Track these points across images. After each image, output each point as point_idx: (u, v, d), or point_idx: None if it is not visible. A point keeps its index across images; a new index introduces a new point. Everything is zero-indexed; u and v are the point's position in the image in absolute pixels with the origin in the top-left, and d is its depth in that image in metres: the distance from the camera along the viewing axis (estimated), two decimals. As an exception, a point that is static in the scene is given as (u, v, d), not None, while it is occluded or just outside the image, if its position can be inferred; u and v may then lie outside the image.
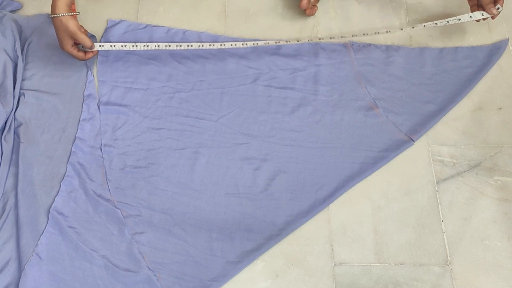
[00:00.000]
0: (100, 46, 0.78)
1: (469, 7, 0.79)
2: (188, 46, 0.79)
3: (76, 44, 0.76)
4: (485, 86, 0.78)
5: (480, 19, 0.77)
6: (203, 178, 0.73)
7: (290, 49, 0.83)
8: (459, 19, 0.77)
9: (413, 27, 0.78)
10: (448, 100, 0.76)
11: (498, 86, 0.78)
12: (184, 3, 0.89)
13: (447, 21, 0.77)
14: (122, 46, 0.79)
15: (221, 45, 0.79)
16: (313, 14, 0.84)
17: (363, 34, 0.80)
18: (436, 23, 0.78)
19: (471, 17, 0.77)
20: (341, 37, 0.80)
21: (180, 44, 0.79)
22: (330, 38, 0.80)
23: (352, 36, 0.80)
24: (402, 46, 0.82)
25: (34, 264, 0.66)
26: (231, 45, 0.79)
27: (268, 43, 0.79)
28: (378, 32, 0.80)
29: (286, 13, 0.87)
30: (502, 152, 0.73)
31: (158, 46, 0.79)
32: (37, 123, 0.77)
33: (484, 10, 0.76)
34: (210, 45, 0.79)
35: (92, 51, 0.78)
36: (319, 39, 0.79)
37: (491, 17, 0.77)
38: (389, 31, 0.80)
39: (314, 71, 0.80)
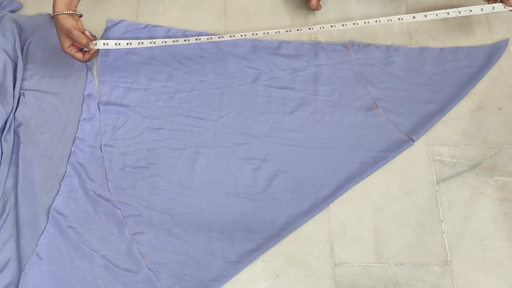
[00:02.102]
0: (104, 44, 0.76)
1: (469, 6, 0.79)
2: (185, 40, 0.78)
3: (76, 46, 0.75)
4: (485, 86, 0.78)
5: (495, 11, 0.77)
6: (203, 178, 0.73)
7: (290, 49, 0.83)
8: (470, 11, 0.77)
9: (425, 16, 0.78)
10: (448, 100, 0.76)
11: (498, 86, 0.78)
12: (184, 3, 0.89)
13: (459, 11, 0.77)
14: (127, 44, 0.77)
15: (219, 37, 0.79)
16: (318, 9, 0.84)
17: (364, 23, 0.79)
18: (448, 13, 0.77)
19: (482, 9, 0.77)
20: (342, 25, 0.79)
21: (177, 39, 0.79)
22: (331, 26, 0.78)
23: (354, 24, 0.79)
24: (402, 46, 0.82)
25: (34, 264, 0.66)
26: (230, 36, 0.78)
27: (267, 32, 0.78)
28: (391, 19, 0.78)
29: (286, 13, 0.87)
30: (502, 152, 0.73)
31: (154, 42, 0.79)
32: (37, 123, 0.77)
33: (496, 2, 0.76)
34: (208, 39, 0.79)
35: (89, 53, 0.75)
36: (320, 27, 0.78)
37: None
38: (401, 19, 0.78)
39: (314, 71, 0.80)
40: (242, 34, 0.78)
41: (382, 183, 0.72)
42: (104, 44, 0.76)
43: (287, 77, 0.80)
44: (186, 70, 0.82)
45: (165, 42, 0.78)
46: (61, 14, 0.71)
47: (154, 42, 0.78)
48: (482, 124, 0.75)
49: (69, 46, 0.74)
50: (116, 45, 0.77)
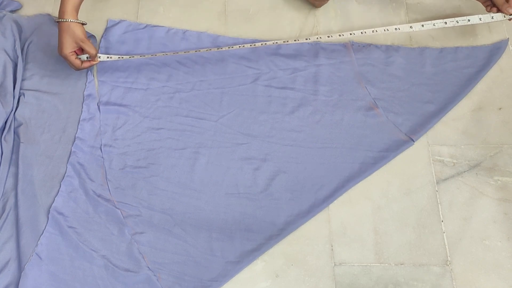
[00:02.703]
0: (108, 57, 0.79)
1: (468, 7, 0.78)
2: (184, 52, 0.80)
3: (76, 52, 0.76)
4: (485, 86, 0.78)
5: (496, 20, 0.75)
6: (203, 178, 0.73)
7: (290, 49, 0.83)
8: (469, 20, 0.76)
9: (422, 26, 0.77)
10: (448, 100, 0.76)
11: (498, 86, 0.78)
12: (184, 3, 0.89)
13: (457, 21, 0.76)
14: (130, 57, 0.80)
15: (218, 48, 0.79)
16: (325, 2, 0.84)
17: (363, 32, 0.79)
18: (446, 22, 0.77)
19: (480, 19, 0.75)
20: (339, 35, 0.78)
21: (177, 52, 0.81)
22: (328, 36, 0.79)
23: (350, 34, 0.78)
24: (402, 46, 0.82)
25: (34, 264, 0.66)
26: (228, 48, 0.79)
27: (265, 44, 0.78)
28: (388, 29, 0.78)
29: (286, 13, 0.87)
30: (502, 152, 0.73)
31: (155, 55, 0.81)
32: (37, 123, 0.77)
33: (498, 11, 0.74)
34: (207, 50, 0.79)
35: (89, 61, 0.77)
36: (317, 38, 0.79)
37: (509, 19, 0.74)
38: (398, 29, 0.78)
39: (314, 71, 0.80)
40: (240, 45, 0.79)
41: (382, 183, 0.72)
42: (108, 57, 0.79)
43: (287, 77, 0.80)
44: (186, 70, 0.82)
45: (166, 54, 0.80)
46: (72, 21, 0.72)
47: (156, 55, 0.81)
48: (482, 124, 0.75)
49: (71, 52, 0.75)
50: (119, 58, 0.79)
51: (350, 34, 0.78)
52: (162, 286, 0.65)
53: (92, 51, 0.75)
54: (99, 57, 0.78)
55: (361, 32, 0.77)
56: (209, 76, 0.81)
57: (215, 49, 0.79)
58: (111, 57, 0.79)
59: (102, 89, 0.80)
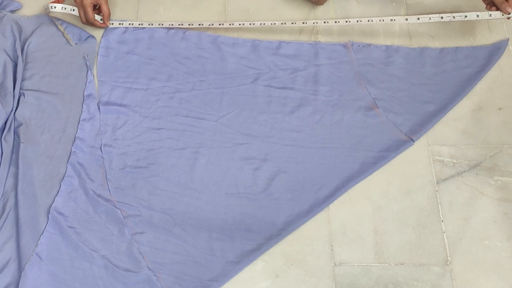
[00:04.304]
0: (120, 24, 0.86)
1: (468, 7, 0.79)
2: (189, 25, 0.84)
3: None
4: (485, 86, 0.78)
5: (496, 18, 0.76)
6: (203, 178, 0.73)
7: (290, 49, 0.83)
8: (466, 16, 0.77)
9: (418, 19, 0.77)
10: (448, 100, 0.76)
11: (498, 86, 0.78)
12: (184, 3, 0.89)
13: (453, 16, 0.77)
14: (139, 24, 0.86)
15: (220, 24, 0.84)
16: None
17: (368, 20, 0.80)
18: (442, 17, 0.77)
19: (478, 15, 0.76)
20: (335, 21, 0.82)
21: (182, 23, 0.86)
22: (324, 22, 0.82)
23: (346, 21, 0.81)
24: (402, 46, 0.82)
25: (34, 264, 0.66)
26: (230, 24, 0.83)
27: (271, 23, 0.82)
28: (383, 20, 0.79)
29: (286, 14, 0.87)
30: (502, 152, 0.73)
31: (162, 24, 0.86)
32: (37, 123, 0.77)
33: (498, 10, 0.74)
34: (209, 25, 0.83)
35: (100, 23, 0.84)
36: (313, 23, 0.82)
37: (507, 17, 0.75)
38: (394, 20, 0.78)
39: (314, 71, 0.80)
40: (240, 23, 0.84)
41: (382, 183, 0.72)
42: (119, 23, 0.86)
43: (287, 77, 0.80)
44: (186, 70, 0.82)
45: (172, 24, 0.85)
46: None
47: (162, 24, 0.85)
48: (482, 124, 0.75)
49: (91, 3, 0.82)
50: (130, 24, 0.86)
51: (346, 21, 0.81)
52: (162, 286, 0.65)
53: (107, 11, 0.83)
54: (112, 23, 0.85)
55: (357, 21, 0.80)
56: (209, 76, 0.81)
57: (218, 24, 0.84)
58: (122, 24, 0.86)
59: (102, 89, 0.80)
